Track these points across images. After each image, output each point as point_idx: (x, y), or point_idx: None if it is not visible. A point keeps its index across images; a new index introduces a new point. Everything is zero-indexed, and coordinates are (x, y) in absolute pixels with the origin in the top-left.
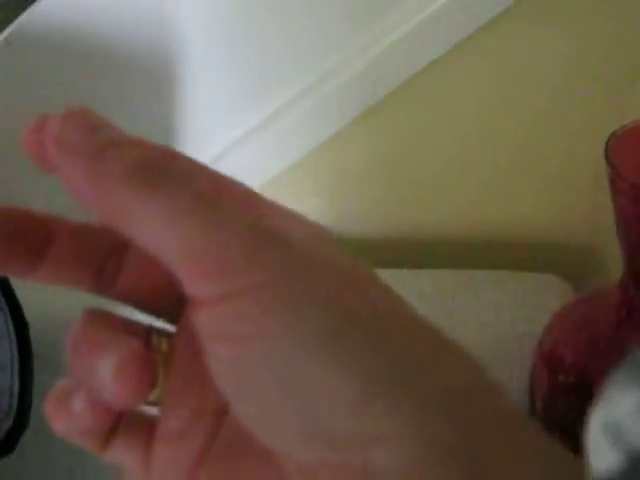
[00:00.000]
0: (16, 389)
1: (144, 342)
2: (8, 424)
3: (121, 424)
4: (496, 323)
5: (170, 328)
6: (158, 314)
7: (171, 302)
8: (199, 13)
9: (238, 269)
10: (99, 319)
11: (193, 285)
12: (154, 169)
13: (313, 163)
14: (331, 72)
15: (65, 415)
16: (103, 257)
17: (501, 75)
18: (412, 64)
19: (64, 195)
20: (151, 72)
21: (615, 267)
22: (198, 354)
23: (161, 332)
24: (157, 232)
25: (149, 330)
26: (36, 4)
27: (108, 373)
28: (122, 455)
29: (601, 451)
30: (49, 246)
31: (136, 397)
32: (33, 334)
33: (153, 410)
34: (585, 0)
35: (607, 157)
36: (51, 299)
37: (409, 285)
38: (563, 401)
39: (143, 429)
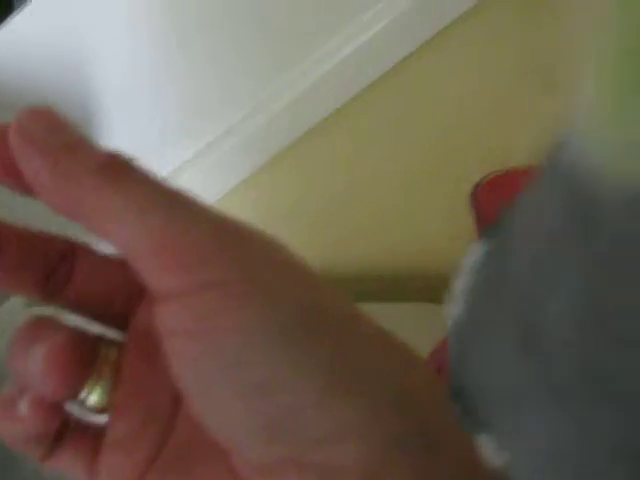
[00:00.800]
0: None
1: (79, 339)
2: None
3: (67, 432)
4: None
5: (121, 339)
6: (106, 323)
7: (118, 310)
8: (121, 59)
9: (206, 262)
10: (41, 321)
11: (160, 279)
12: (124, 165)
13: (235, 202)
14: (252, 112)
15: (11, 421)
16: (51, 264)
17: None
18: (333, 101)
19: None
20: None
21: None
22: (148, 361)
23: (110, 342)
24: (128, 224)
25: (97, 340)
26: None
27: (38, 363)
28: (68, 463)
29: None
30: None
31: (65, 386)
32: None
33: (100, 419)
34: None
35: (472, 203)
36: None
37: None
38: None
39: (89, 438)
